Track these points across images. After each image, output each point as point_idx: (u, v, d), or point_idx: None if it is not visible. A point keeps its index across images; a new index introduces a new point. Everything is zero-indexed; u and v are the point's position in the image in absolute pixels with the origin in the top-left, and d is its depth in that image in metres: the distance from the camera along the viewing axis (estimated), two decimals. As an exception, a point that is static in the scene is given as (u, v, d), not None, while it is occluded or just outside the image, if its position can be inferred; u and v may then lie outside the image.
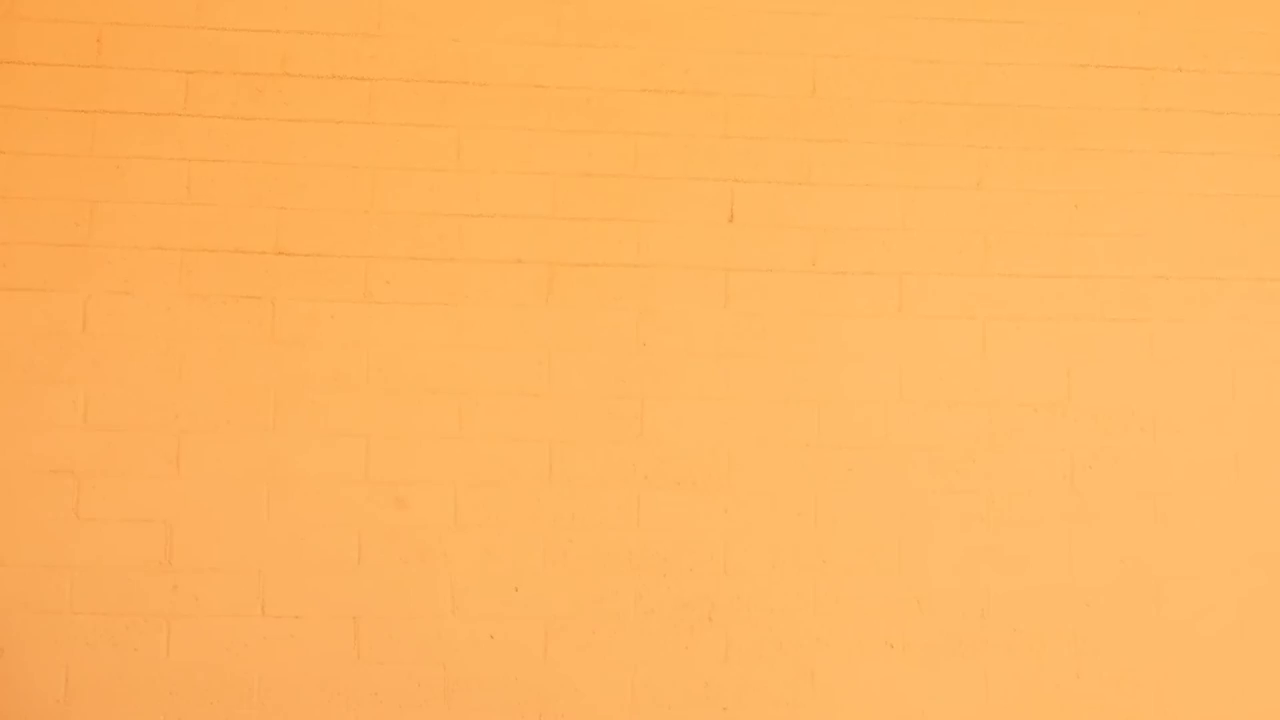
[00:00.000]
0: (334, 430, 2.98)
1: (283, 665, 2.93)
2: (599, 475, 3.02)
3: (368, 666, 2.95)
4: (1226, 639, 3.09)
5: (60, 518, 2.92)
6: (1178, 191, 3.19)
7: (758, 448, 3.05)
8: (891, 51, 3.16)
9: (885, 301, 3.10)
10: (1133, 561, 3.09)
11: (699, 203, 3.09)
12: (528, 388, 3.03)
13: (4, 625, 2.90)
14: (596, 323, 3.05)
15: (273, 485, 2.97)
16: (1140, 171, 3.19)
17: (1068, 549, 3.08)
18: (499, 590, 2.99)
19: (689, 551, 3.03)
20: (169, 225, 3.00)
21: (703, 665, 3.01)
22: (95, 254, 2.98)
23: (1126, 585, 3.09)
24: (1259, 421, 3.15)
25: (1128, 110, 3.20)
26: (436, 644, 2.97)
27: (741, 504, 3.04)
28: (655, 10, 3.13)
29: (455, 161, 3.06)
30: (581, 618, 3.00)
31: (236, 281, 3.00)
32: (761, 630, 3.02)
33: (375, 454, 2.99)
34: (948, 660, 3.03)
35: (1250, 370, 3.16)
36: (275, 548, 2.95)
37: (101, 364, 2.96)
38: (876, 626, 3.03)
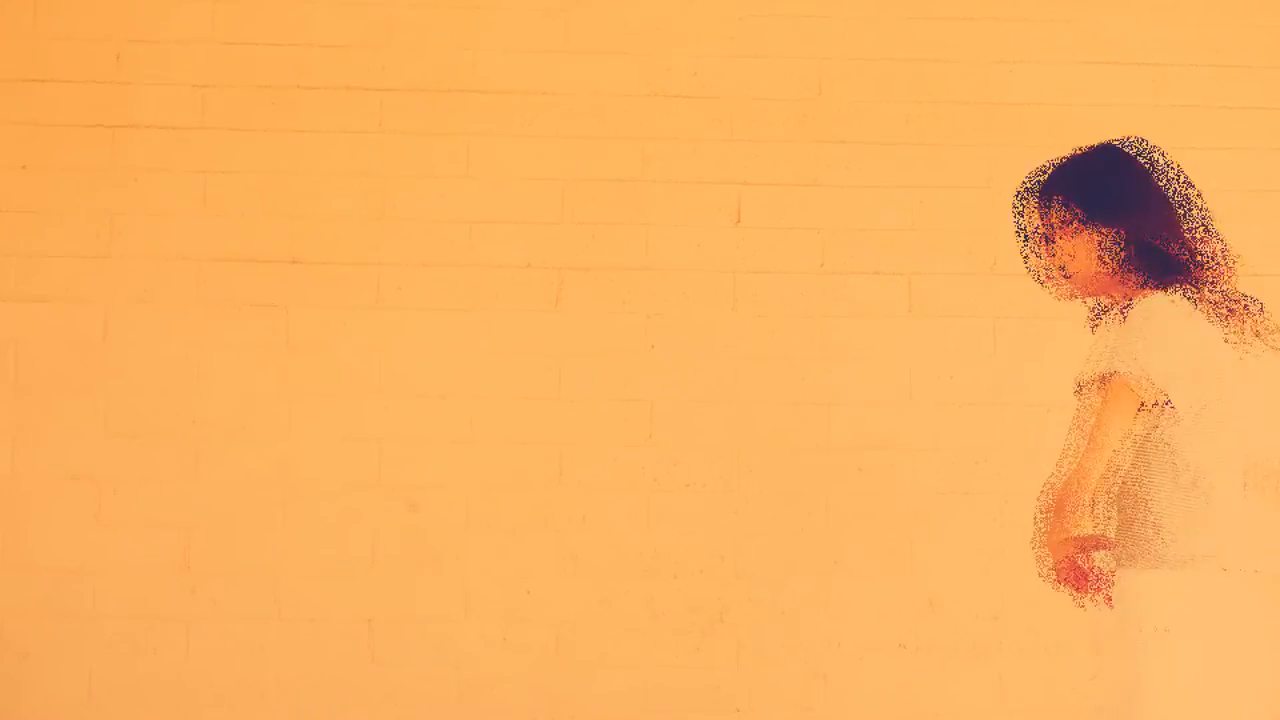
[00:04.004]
0: (347, 435, 3.02)
1: (298, 667, 2.97)
2: (609, 478, 3.04)
3: (382, 668, 2.98)
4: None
5: (81, 523, 2.98)
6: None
7: (768, 449, 3.05)
8: (898, 51, 3.16)
9: (895, 302, 3.09)
10: (1150, 562, 3.05)
11: (706, 206, 3.11)
12: (538, 391, 3.05)
13: (28, 629, 2.96)
14: (605, 326, 3.07)
15: (287, 490, 3.01)
16: (1153, 168, 3.16)
17: (1083, 549, 3.05)
18: (511, 593, 3.01)
19: (700, 554, 3.03)
20: (186, 236, 3.06)
21: (714, 667, 3.01)
22: (115, 265, 3.05)
23: (1143, 586, 3.04)
24: (1275, 422, 3.10)
25: (1140, 107, 3.17)
26: (449, 646, 2.99)
27: (752, 506, 3.04)
28: (661, 16, 3.16)
29: (465, 169, 3.10)
30: (593, 620, 3.01)
31: (252, 290, 3.05)
32: (773, 632, 3.02)
33: (388, 458, 3.02)
34: (961, 662, 3.01)
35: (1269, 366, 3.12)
36: (290, 552, 2.99)
37: (121, 372, 3.02)
38: (889, 628, 3.02)
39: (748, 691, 3.01)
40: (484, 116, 3.11)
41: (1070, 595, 2.07)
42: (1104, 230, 2.09)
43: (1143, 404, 1.97)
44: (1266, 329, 2.10)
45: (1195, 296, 2.04)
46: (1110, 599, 2.02)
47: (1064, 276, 2.15)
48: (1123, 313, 2.10)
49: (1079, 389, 2.10)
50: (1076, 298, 2.20)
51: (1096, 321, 2.22)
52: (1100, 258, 2.10)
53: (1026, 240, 2.21)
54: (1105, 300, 2.17)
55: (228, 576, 2.99)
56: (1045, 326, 3.06)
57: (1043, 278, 2.20)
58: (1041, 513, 2.07)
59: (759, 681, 3.01)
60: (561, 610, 3.01)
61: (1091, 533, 2.01)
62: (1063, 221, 2.12)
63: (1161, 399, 1.97)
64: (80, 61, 3.08)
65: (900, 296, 3.10)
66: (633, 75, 3.13)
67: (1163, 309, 2.01)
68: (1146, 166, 2.16)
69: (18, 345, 3.01)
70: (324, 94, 3.11)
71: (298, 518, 3.00)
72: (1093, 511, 2.01)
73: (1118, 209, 2.10)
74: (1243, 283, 3.12)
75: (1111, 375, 1.97)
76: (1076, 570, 2.03)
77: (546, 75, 3.13)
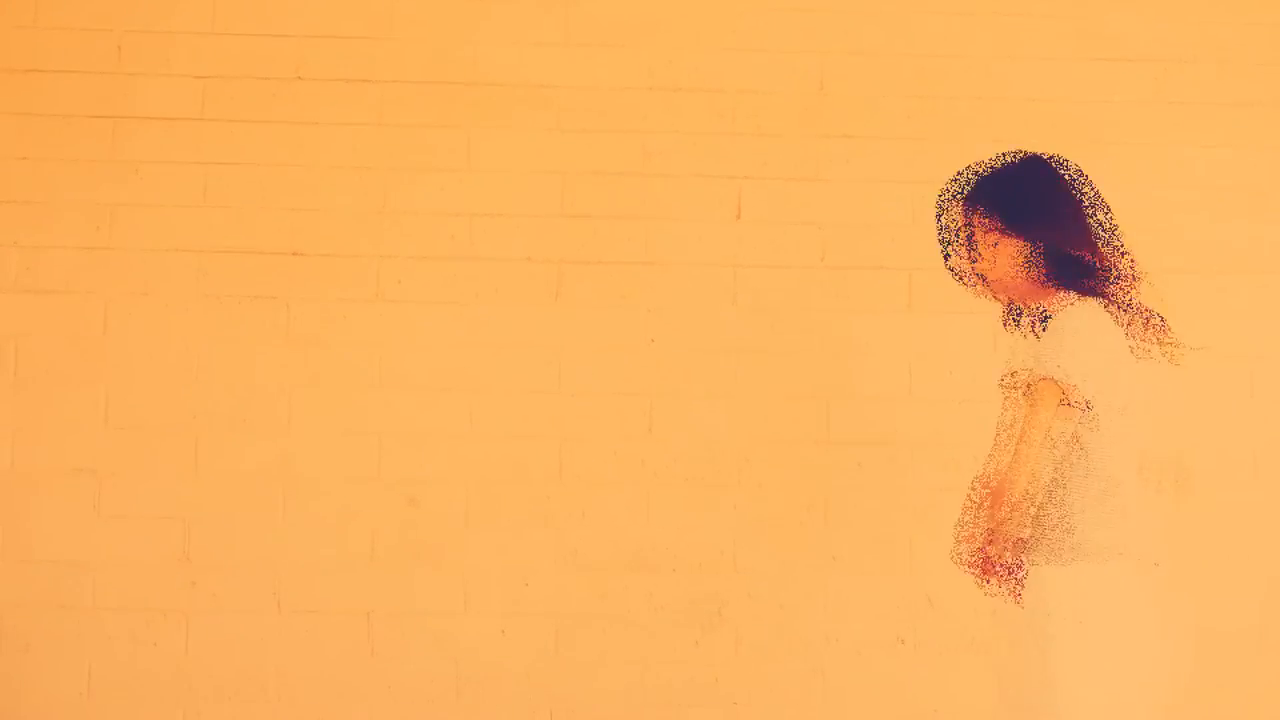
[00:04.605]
0: (347, 429, 3.02)
1: (298, 660, 2.98)
2: (609, 472, 3.04)
3: (381, 662, 2.99)
4: (1242, 638, 3.04)
5: (82, 516, 2.98)
6: (1193, 184, 3.15)
7: (767, 444, 3.05)
8: (899, 47, 3.15)
9: (895, 297, 3.08)
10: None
11: (707, 200, 3.10)
12: (538, 386, 3.05)
13: (28, 622, 2.97)
14: (605, 320, 3.07)
15: (287, 484, 3.01)
16: (1155, 165, 3.15)
17: (1082, 546, 3.05)
18: (510, 587, 3.01)
19: (699, 548, 3.03)
20: (186, 228, 3.06)
21: (713, 662, 3.01)
22: (115, 257, 3.05)
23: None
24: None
25: (1141, 103, 3.16)
26: (448, 640, 3.00)
27: (751, 501, 3.04)
28: (663, 9, 3.14)
29: (465, 162, 3.09)
30: (592, 614, 3.01)
31: (252, 282, 3.05)
32: (772, 627, 3.02)
33: (388, 452, 3.02)
34: (960, 657, 3.01)
35: (1268, 365, 3.11)
36: (290, 545, 3.00)
37: (122, 365, 3.02)
38: (887, 623, 3.02)
39: (746, 686, 3.01)
40: (484, 109, 3.10)
41: (978, 583, 2.22)
42: (1024, 239, 2.22)
43: (1064, 405, 2.09)
44: (1167, 342, 2.24)
45: (1107, 306, 2.18)
46: (1019, 594, 2.15)
47: (982, 280, 2.29)
48: (1037, 316, 2.28)
49: (1003, 386, 2.24)
50: (994, 299, 2.34)
51: (1009, 322, 2.38)
52: (1019, 265, 2.22)
53: (949, 242, 2.33)
54: (1018, 304, 2.31)
55: (228, 570, 2.99)
56: (1046, 323, 3.07)
57: (961, 278, 2.33)
58: (971, 504, 2.18)
59: (758, 676, 3.01)
60: (560, 604, 3.01)
61: (1012, 527, 2.12)
62: (985, 228, 2.25)
63: (1083, 402, 2.09)
64: (81, 52, 3.08)
65: (901, 292, 3.09)
66: (633, 69, 3.12)
67: (1083, 317, 2.14)
68: (1067, 181, 2.28)
69: (18, 338, 3.01)
70: (324, 86, 3.10)
71: (298, 511, 3.00)
72: (1019, 507, 2.11)
73: (1039, 220, 2.22)
74: (1246, 281, 3.13)
75: (1040, 379, 2.09)
76: (988, 561, 2.17)
77: (547, 68, 3.12)
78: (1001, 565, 2.15)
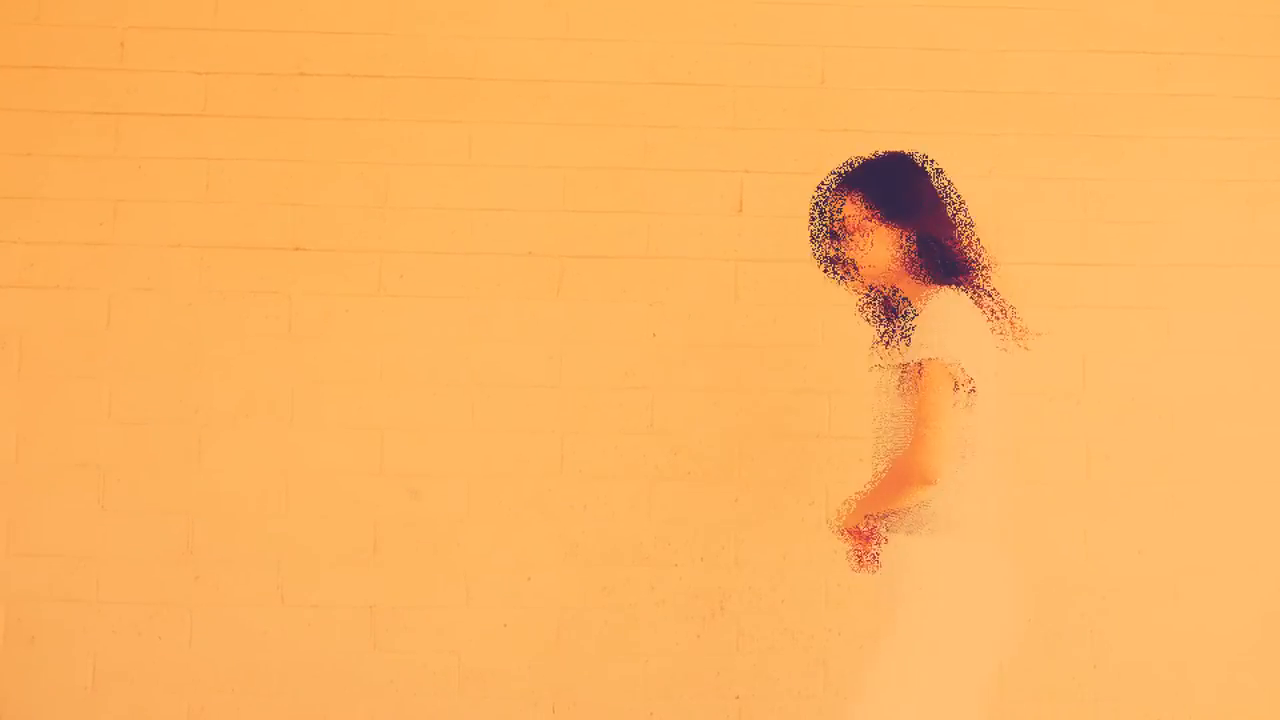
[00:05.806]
0: (349, 423, 3.03)
1: (301, 654, 2.99)
2: (610, 466, 3.04)
3: (384, 655, 3.00)
4: (1245, 630, 3.04)
5: (86, 510, 3.00)
6: (1194, 177, 3.15)
7: (768, 438, 3.05)
8: (901, 40, 3.15)
9: (896, 291, 3.08)
10: (1150, 552, 3.06)
11: (708, 194, 3.11)
12: (539, 380, 3.06)
13: (33, 615, 2.98)
14: (607, 314, 3.07)
15: (290, 478, 3.02)
16: (1156, 157, 3.15)
17: (1084, 539, 3.06)
18: (512, 580, 3.02)
19: (700, 542, 3.04)
20: (189, 223, 3.07)
21: (715, 655, 3.02)
22: (118, 252, 3.06)
23: (1143, 576, 3.05)
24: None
25: (1142, 96, 3.16)
26: (451, 633, 3.01)
27: (752, 494, 3.05)
28: (663, 3, 3.15)
29: (467, 157, 3.10)
30: (594, 608, 3.02)
31: (254, 277, 3.06)
32: (773, 620, 3.03)
33: (390, 446, 3.03)
34: (961, 651, 3.01)
35: (1270, 358, 3.11)
36: (293, 539, 3.01)
37: (125, 359, 3.03)
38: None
39: (748, 679, 3.02)
40: (486, 104, 3.11)
41: (851, 554, 2.38)
42: (899, 229, 2.33)
43: (956, 387, 2.18)
44: (1020, 330, 2.35)
45: (971, 293, 2.29)
46: (877, 559, 2.28)
47: (855, 268, 2.39)
48: (891, 302, 2.43)
49: (901, 370, 2.30)
50: (860, 289, 2.44)
51: (867, 311, 2.50)
52: (893, 254, 2.34)
53: (825, 230, 2.44)
54: (889, 291, 2.44)
55: (231, 563, 3.00)
56: (1050, 316, 3.06)
57: (835, 269, 2.44)
58: (872, 485, 2.30)
59: (759, 669, 3.02)
60: (562, 598, 3.02)
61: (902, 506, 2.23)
62: (862, 218, 2.35)
63: (968, 381, 2.18)
64: (83, 48, 3.09)
65: (902, 285, 3.09)
66: (635, 63, 3.13)
67: (957, 302, 2.25)
68: (931, 176, 2.40)
69: (21, 333, 3.02)
70: (326, 81, 3.11)
71: (300, 505, 3.02)
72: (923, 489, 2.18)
73: (912, 211, 2.34)
74: (1252, 274, 3.12)
75: (928, 361, 2.17)
76: (859, 534, 2.33)
77: (548, 63, 3.12)
78: (873, 535, 2.28)
